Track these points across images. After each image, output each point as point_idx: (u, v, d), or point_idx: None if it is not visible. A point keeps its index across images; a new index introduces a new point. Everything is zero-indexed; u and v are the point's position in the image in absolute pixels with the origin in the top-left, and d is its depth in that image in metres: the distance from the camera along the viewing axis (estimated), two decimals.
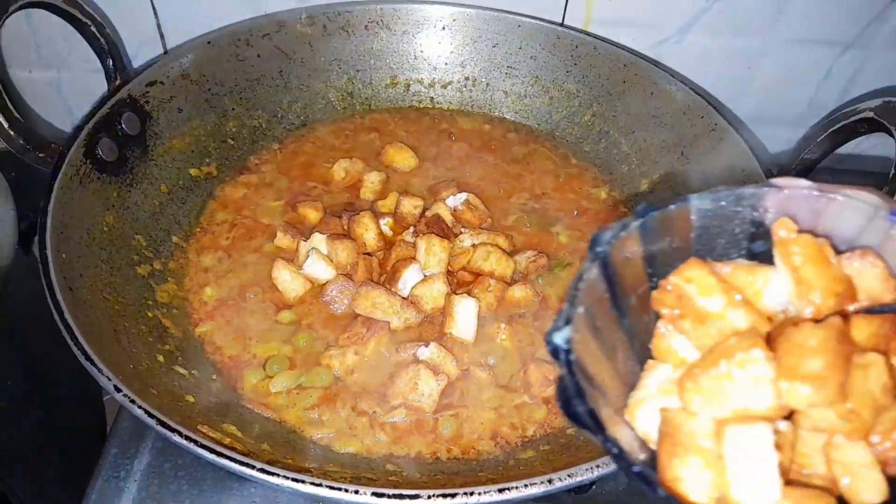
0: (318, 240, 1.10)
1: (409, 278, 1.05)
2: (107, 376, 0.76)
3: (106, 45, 1.12)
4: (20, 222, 1.12)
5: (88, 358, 0.77)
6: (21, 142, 0.98)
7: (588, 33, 1.34)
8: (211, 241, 1.16)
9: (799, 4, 1.36)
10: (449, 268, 1.10)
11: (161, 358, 0.94)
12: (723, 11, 1.38)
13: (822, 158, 1.08)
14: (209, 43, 1.23)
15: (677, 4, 1.38)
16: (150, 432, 1.07)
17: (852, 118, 1.03)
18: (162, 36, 1.48)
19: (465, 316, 1.01)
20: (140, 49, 1.48)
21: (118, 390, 0.75)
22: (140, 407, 0.74)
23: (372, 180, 1.25)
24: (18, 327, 1.18)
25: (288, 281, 1.08)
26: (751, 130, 1.50)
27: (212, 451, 0.72)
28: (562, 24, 1.39)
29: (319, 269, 1.07)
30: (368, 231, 1.11)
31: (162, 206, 1.14)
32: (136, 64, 1.45)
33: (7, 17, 0.99)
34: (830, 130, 1.05)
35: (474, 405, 0.97)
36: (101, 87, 1.55)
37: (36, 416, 1.23)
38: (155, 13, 1.44)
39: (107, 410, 1.51)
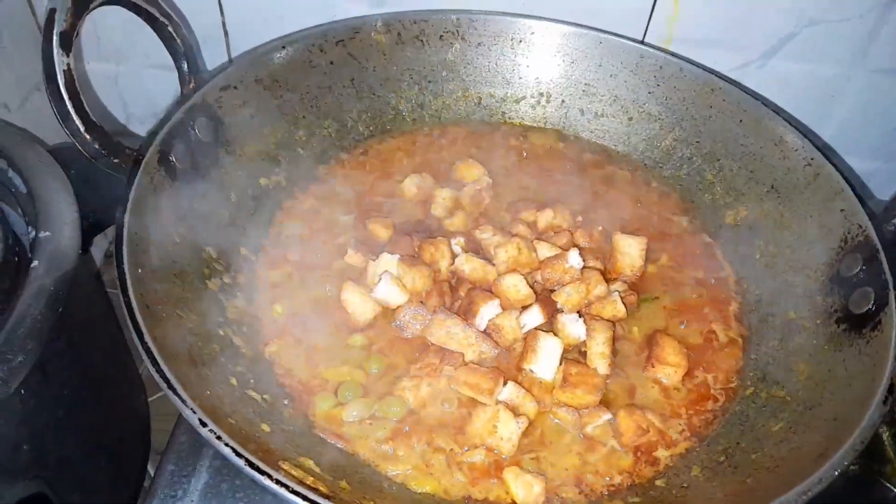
0: (390, 262, 1.05)
1: (486, 314, 1.00)
2: (191, 409, 0.72)
3: (182, 47, 1.07)
4: (82, 222, 1.09)
5: (171, 387, 0.73)
6: (97, 146, 0.94)
7: (673, 54, 1.28)
8: (280, 255, 1.12)
9: (889, 34, 1.30)
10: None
11: (234, 381, 0.90)
12: (811, 37, 1.33)
13: None
14: (283, 48, 1.19)
15: (764, 27, 1.33)
16: (208, 449, 1.04)
17: None
18: (226, 33, 1.45)
19: (548, 354, 0.97)
20: (202, 45, 1.45)
21: (203, 425, 0.71)
22: (227, 445, 0.70)
23: (443, 197, 1.20)
24: (76, 332, 1.14)
25: (358, 304, 1.04)
26: (849, 166, 1.45)
27: (302, 496, 0.68)
28: (642, 42, 1.34)
29: (392, 294, 1.03)
30: (444, 258, 1.06)
31: (231, 216, 1.10)
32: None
33: (88, 13, 0.95)
34: None
35: (556, 449, 0.93)
36: (158, 83, 1.54)
37: (87, 422, 1.19)
38: (221, 9, 1.40)
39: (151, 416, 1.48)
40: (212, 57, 1.46)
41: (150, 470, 1.46)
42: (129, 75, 1.54)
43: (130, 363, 1.46)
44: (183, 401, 0.72)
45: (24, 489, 1.05)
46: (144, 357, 0.75)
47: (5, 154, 1.13)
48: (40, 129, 1.47)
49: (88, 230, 1.18)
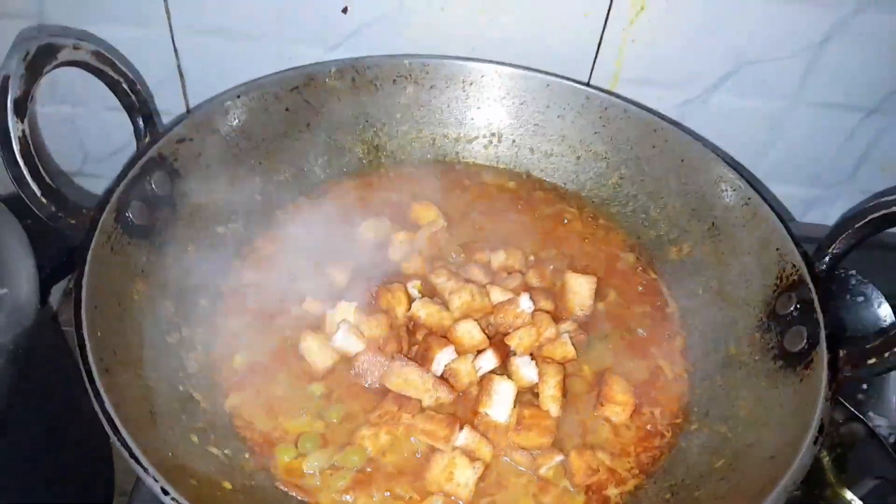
0: (347, 310, 1.08)
1: (441, 359, 1.03)
2: (153, 477, 0.74)
3: (137, 103, 1.09)
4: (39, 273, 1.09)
5: (133, 456, 0.75)
6: (53, 209, 0.96)
7: (618, 96, 1.33)
8: (239, 304, 1.14)
9: (826, 69, 1.37)
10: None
11: (195, 438, 0.92)
12: (750, 74, 1.39)
13: (848, 252, 1.07)
14: (238, 97, 1.21)
15: (706, 66, 1.39)
16: None
17: (880, 212, 1.01)
18: (181, 76, 1.46)
19: (502, 398, 1.00)
20: (159, 87, 1.46)
21: (165, 493, 0.73)
22: None
23: (400, 240, 1.23)
24: (36, 385, 1.14)
25: (317, 352, 1.06)
26: (783, 206, 1.51)
27: None
28: (588, 84, 1.39)
29: (350, 343, 1.06)
30: (401, 305, 1.09)
31: (189, 267, 1.12)
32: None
33: (41, 79, 0.96)
34: (857, 225, 1.03)
35: (512, 492, 0.96)
36: (117, 124, 1.52)
37: (51, 473, 1.20)
38: (176, 53, 1.41)
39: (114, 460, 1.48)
40: (169, 97, 1.48)
41: None
42: (87, 117, 1.55)
43: (89, 404, 1.46)
44: (145, 469, 0.74)
45: None
46: (105, 425, 0.77)
47: None
48: None
49: (46, 280, 1.19)
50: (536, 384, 1.05)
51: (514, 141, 1.41)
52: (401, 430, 1.00)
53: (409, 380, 1.01)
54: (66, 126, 1.58)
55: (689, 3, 1.29)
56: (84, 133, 1.59)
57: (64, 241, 1.42)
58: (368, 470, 0.97)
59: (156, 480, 0.74)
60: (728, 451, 0.98)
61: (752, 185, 1.18)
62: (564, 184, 1.39)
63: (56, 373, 1.27)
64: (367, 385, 1.05)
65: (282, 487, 0.94)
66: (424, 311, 1.08)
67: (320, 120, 1.32)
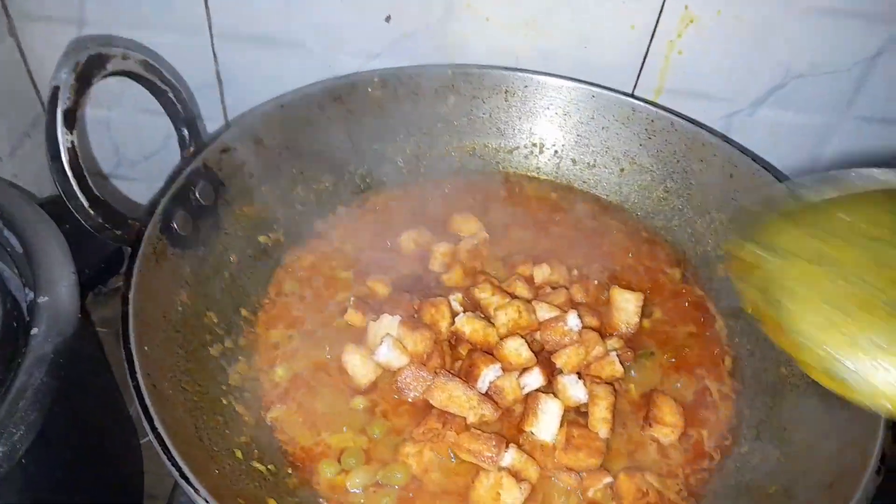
0: (391, 324, 1.07)
1: (487, 376, 1.01)
2: (205, 499, 0.72)
3: (183, 113, 1.08)
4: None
5: (185, 477, 0.74)
6: (100, 220, 0.95)
7: (664, 108, 1.31)
8: (280, 315, 1.13)
9: (878, 84, 1.34)
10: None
11: (239, 454, 0.91)
12: (799, 87, 1.36)
13: None
14: (282, 106, 1.20)
15: (753, 78, 1.36)
16: None
17: None
18: (220, 82, 1.45)
19: (549, 417, 0.98)
20: (196, 93, 1.45)
21: None
22: None
23: (441, 252, 1.22)
24: (75, 394, 1.14)
25: (359, 366, 1.05)
26: None
27: None
28: (632, 95, 1.36)
29: (393, 357, 1.04)
30: (444, 319, 1.08)
31: (232, 277, 1.11)
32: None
33: (90, 89, 0.96)
34: None
35: None
36: (151, 127, 1.54)
37: (87, 479, 1.19)
38: (215, 60, 1.41)
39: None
40: (206, 103, 1.47)
41: None
42: (122, 120, 1.54)
43: (122, 406, 1.45)
44: (196, 491, 0.73)
45: None
46: (157, 447, 0.76)
47: (1, 213, 1.12)
48: (33, 176, 1.47)
49: (84, 286, 1.18)
50: (583, 403, 1.03)
51: (555, 152, 1.39)
52: (445, 447, 0.98)
53: (453, 396, 1.00)
54: (100, 129, 1.58)
55: (739, 17, 1.26)
56: (118, 136, 1.59)
57: (102, 246, 1.43)
58: (412, 488, 0.95)
59: (207, 502, 0.72)
60: (782, 477, 0.95)
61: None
62: (607, 196, 1.37)
63: (90, 376, 1.27)
64: (409, 400, 1.04)
65: (325, 503, 0.93)
66: (469, 326, 1.06)
67: (361, 129, 1.30)
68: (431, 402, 1.00)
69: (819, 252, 0.78)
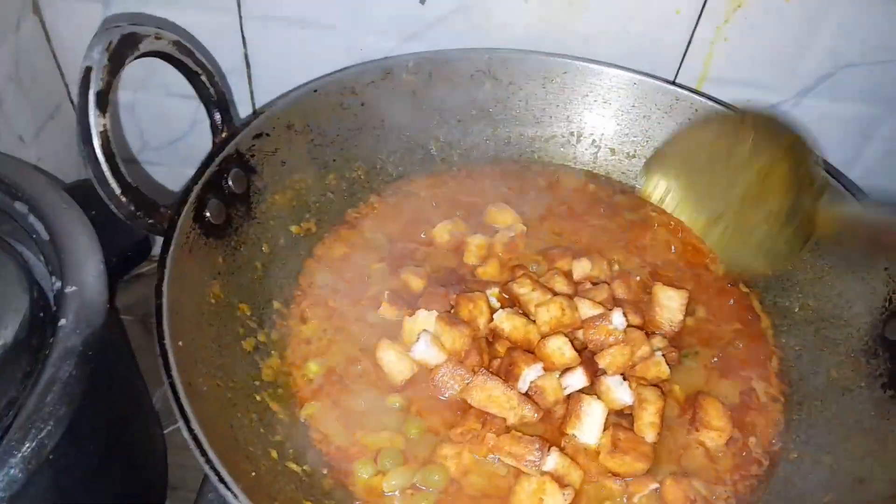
0: (427, 319, 1.03)
1: (528, 376, 0.98)
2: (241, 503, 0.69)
3: (215, 96, 1.04)
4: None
5: (222, 480, 0.70)
6: (132, 208, 0.91)
7: (709, 97, 1.26)
8: (312, 307, 1.10)
9: None
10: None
11: (274, 454, 0.88)
12: (847, 78, 1.31)
13: None
14: (315, 91, 1.16)
15: (801, 67, 1.31)
16: None
17: None
18: (248, 65, 1.41)
19: (592, 419, 0.95)
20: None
21: None
22: None
23: (476, 244, 1.18)
24: (103, 386, 1.11)
25: (395, 362, 1.01)
26: None
27: None
28: (674, 82, 1.31)
29: (431, 354, 1.01)
30: (482, 315, 1.04)
31: (264, 267, 1.08)
32: None
33: (123, 69, 0.92)
34: None
35: None
36: (176, 112, 1.50)
37: (114, 472, 1.17)
38: (244, 42, 1.36)
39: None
40: (234, 86, 1.43)
41: None
42: (148, 104, 1.50)
43: (145, 394, 1.43)
44: (235, 495, 0.70)
45: None
46: (193, 446, 0.73)
47: (27, 198, 1.09)
48: (56, 159, 1.43)
49: (111, 275, 1.15)
50: (628, 406, 0.99)
51: (593, 141, 1.34)
52: (485, 449, 0.94)
53: (493, 396, 0.96)
54: (125, 112, 1.54)
55: (788, 1, 1.20)
56: (143, 120, 1.55)
57: (127, 234, 1.39)
58: (451, 491, 0.92)
59: None
60: (837, 486, 0.92)
61: (855, 197, 1.10)
62: None
63: (116, 367, 1.25)
64: (445, 398, 1.00)
65: None
66: (509, 323, 1.03)
67: (395, 115, 1.26)
68: (470, 401, 0.97)
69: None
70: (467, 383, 0.98)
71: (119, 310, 1.63)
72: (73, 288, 1.00)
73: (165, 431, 1.49)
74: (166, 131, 1.56)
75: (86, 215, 1.10)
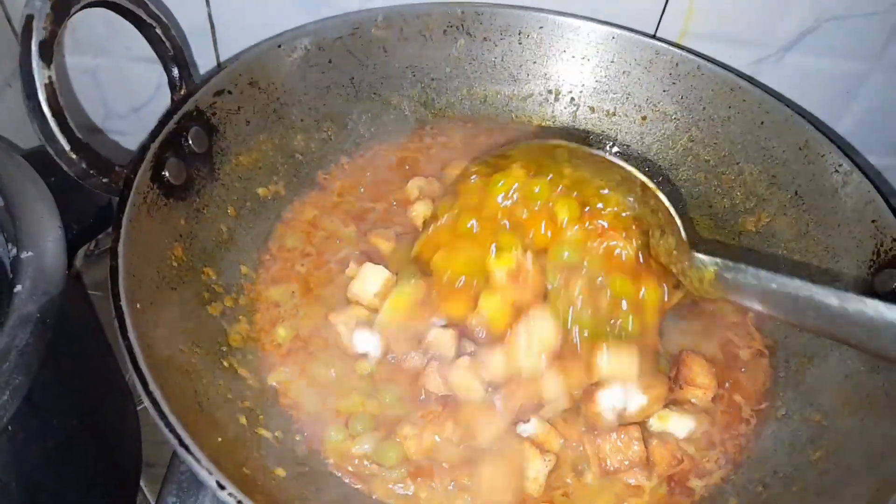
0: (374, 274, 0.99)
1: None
2: (207, 469, 0.65)
3: (171, 50, 0.99)
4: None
5: (183, 444, 0.66)
6: (83, 166, 0.86)
7: (690, 50, 1.22)
8: (281, 271, 1.06)
9: None
10: None
11: (243, 420, 0.84)
12: (830, 32, 1.27)
13: None
14: (280, 47, 1.11)
15: (783, 22, 1.27)
16: None
17: None
18: (213, 26, 1.35)
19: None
20: (188, 39, 1.35)
21: (222, 487, 0.65)
22: None
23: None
24: (64, 356, 1.06)
25: (347, 333, 0.97)
26: (880, 173, 1.40)
27: None
28: (655, 37, 1.27)
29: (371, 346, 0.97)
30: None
31: (230, 231, 1.03)
32: None
33: (69, 19, 0.86)
34: None
35: (587, 485, 0.88)
36: (140, 77, 1.44)
37: (80, 449, 1.12)
38: (207, 2, 1.31)
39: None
40: (199, 52, 1.37)
41: (143, 485, 1.40)
42: (109, 69, 1.44)
43: (117, 372, 1.38)
44: (198, 460, 0.66)
45: None
46: (153, 412, 0.69)
47: None
48: (14, 127, 1.37)
49: (72, 243, 1.10)
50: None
51: (572, 99, 1.30)
52: (447, 428, 0.90)
53: (470, 388, 0.92)
54: (87, 78, 1.48)
55: None
56: (106, 86, 1.49)
57: (90, 200, 1.34)
58: (424, 462, 0.89)
59: (210, 473, 0.65)
60: (825, 442, 0.89)
61: (843, 151, 1.07)
62: (628, 146, 1.29)
63: (82, 339, 1.20)
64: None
65: (335, 472, 0.86)
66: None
67: (365, 73, 1.21)
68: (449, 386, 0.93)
69: None
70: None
71: (87, 286, 1.57)
72: (29, 254, 0.95)
73: (139, 408, 1.45)
74: (130, 97, 1.50)
75: (44, 182, 1.05)
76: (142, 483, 1.37)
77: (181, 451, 0.66)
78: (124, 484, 1.29)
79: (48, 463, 1.02)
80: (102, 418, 1.21)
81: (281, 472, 0.80)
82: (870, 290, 0.98)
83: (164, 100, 1.04)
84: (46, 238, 0.97)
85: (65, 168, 0.86)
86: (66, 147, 0.84)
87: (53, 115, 0.81)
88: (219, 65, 1.39)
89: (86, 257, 1.68)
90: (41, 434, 0.99)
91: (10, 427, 0.90)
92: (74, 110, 1.49)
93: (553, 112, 1.32)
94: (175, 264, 0.91)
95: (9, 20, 1.35)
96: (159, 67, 1.03)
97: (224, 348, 0.92)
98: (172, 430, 0.67)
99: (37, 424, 0.97)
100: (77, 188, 1.05)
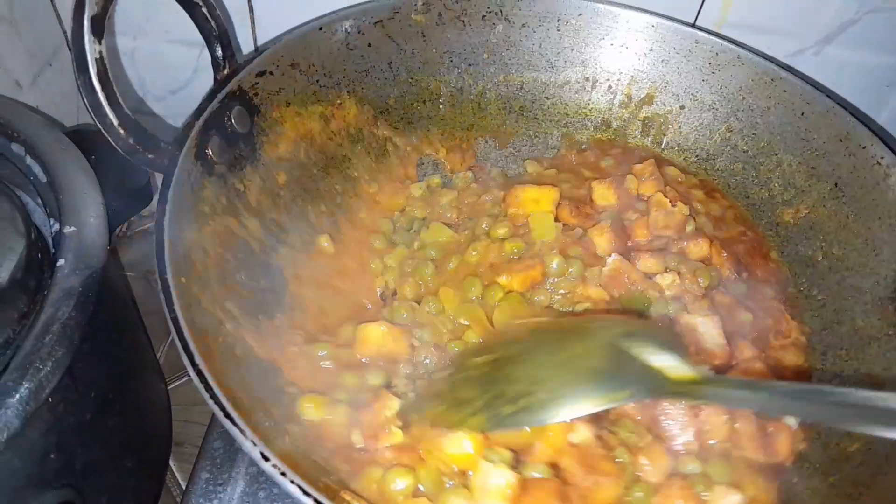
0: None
1: None
2: (251, 441, 0.66)
3: (216, 30, 0.99)
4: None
5: (228, 416, 0.67)
6: (130, 141, 0.87)
7: (730, 40, 1.21)
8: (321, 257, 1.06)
9: None
10: None
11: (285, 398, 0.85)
12: (871, 24, 1.25)
13: None
14: (320, 29, 1.11)
15: (823, 13, 1.25)
16: (244, 456, 0.99)
17: None
18: (251, 9, 1.36)
19: None
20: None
21: (266, 458, 0.65)
22: (294, 483, 0.64)
23: None
24: (102, 331, 1.08)
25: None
26: None
27: None
28: (694, 25, 1.26)
29: None
30: None
31: (271, 209, 1.04)
32: None
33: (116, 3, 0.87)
34: None
35: None
36: (178, 59, 1.45)
37: (113, 422, 1.14)
38: None
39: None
40: (237, 32, 1.38)
41: (172, 464, 1.42)
42: (147, 50, 1.45)
43: (149, 350, 1.40)
44: (242, 431, 0.67)
45: (52, 498, 1.00)
46: (201, 388, 0.69)
47: (24, 140, 1.05)
48: (54, 106, 1.39)
49: (111, 220, 1.12)
50: None
51: (609, 87, 1.30)
52: None
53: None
54: (125, 60, 1.49)
55: None
56: (143, 68, 1.51)
57: (131, 179, 1.36)
58: None
59: (255, 444, 0.66)
60: (862, 434, 0.88)
61: (885, 143, 1.06)
62: (665, 135, 1.28)
63: (117, 316, 1.21)
64: None
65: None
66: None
67: (403, 57, 1.22)
68: None
69: None
70: None
71: (122, 265, 1.60)
72: (72, 228, 0.97)
73: (170, 387, 1.47)
74: (168, 81, 1.51)
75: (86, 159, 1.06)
76: (171, 462, 1.39)
77: (226, 422, 0.67)
78: (154, 460, 1.31)
79: (83, 434, 1.04)
80: (134, 394, 1.23)
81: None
82: None
83: (200, 83, 1.05)
84: (89, 214, 0.99)
85: (112, 143, 0.87)
86: (115, 122, 0.85)
87: (103, 89, 0.82)
88: (256, 47, 1.40)
89: (119, 238, 1.70)
90: (79, 406, 1.00)
91: (50, 398, 0.91)
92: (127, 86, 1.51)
93: (590, 100, 1.31)
94: (218, 240, 0.92)
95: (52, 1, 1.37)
96: (196, 51, 1.04)
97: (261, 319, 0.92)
98: (217, 402, 0.68)
99: (75, 397, 0.99)
100: (115, 166, 1.07)
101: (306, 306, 0.99)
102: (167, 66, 1.48)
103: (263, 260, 0.99)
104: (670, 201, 1.07)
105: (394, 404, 0.83)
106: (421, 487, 0.79)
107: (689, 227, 1.06)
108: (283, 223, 1.04)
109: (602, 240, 1.03)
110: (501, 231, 1.05)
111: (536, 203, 1.08)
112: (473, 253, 1.03)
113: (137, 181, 1.31)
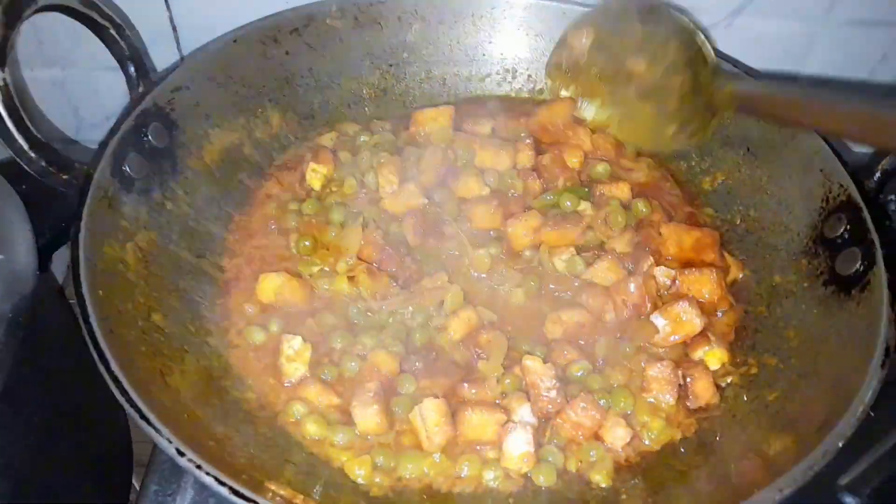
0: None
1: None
2: (167, 438, 0.68)
3: (127, 50, 1.01)
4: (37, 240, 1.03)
5: (143, 417, 0.69)
6: (43, 164, 0.89)
7: None
8: (246, 263, 1.08)
9: None
10: None
11: (213, 397, 0.87)
12: None
13: None
14: (235, 41, 1.14)
15: None
16: None
17: None
18: (175, 29, 1.38)
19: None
20: (152, 44, 1.38)
21: (181, 454, 0.67)
22: (209, 475, 0.66)
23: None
24: (41, 355, 1.09)
25: None
26: None
27: None
28: None
29: None
30: None
31: (197, 221, 1.05)
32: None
33: (21, 24, 0.89)
34: None
35: None
36: (109, 85, 1.46)
37: (65, 446, 1.15)
38: (168, 6, 1.33)
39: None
40: (163, 55, 1.40)
41: (136, 483, 1.42)
42: (78, 79, 1.47)
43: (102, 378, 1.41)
44: (157, 430, 0.68)
45: None
46: (114, 389, 0.71)
47: None
48: None
49: (46, 247, 1.13)
50: None
51: (529, 76, 1.33)
52: None
53: None
54: (56, 91, 1.50)
55: None
56: (76, 97, 1.52)
57: (63, 207, 1.37)
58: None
59: (170, 442, 0.68)
60: (781, 384, 0.92)
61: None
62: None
63: (66, 348, 1.22)
64: None
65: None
66: None
67: (323, 63, 1.24)
68: None
69: None
70: None
71: (68, 296, 1.60)
72: (1, 256, 0.98)
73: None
74: (101, 107, 1.52)
75: (14, 190, 1.07)
76: (134, 481, 1.40)
77: (142, 423, 0.69)
78: (115, 481, 1.32)
79: (33, 458, 1.05)
80: (89, 418, 1.24)
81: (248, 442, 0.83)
82: (820, 237, 1.00)
83: None
84: (18, 242, 1.01)
85: (25, 166, 0.88)
86: (25, 145, 0.87)
87: (10, 114, 0.84)
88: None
89: (69, 269, 1.70)
90: (22, 430, 1.01)
91: None
92: (47, 122, 1.52)
93: (512, 89, 1.34)
94: (140, 255, 0.94)
95: None
96: None
97: (192, 328, 0.94)
98: (132, 404, 0.69)
99: (17, 421, 1.00)
100: (49, 197, 1.09)
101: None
102: (99, 93, 1.49)
103: (196, 267, 1.01)
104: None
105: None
106: None
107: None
108: (211, 232, 1.06)
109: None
110: None
111: (435, 121, 1.18)
112: None
113: (71, 209, 1.32)
